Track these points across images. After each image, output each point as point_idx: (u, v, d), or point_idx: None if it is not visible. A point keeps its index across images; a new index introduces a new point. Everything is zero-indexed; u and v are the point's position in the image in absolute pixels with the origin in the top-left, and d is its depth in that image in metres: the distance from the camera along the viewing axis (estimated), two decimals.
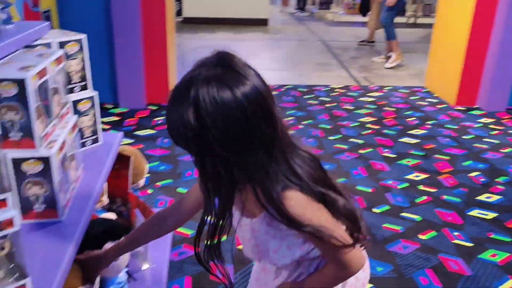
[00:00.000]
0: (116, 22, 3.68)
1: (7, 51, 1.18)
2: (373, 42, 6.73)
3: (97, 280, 1.28)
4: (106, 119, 3.66)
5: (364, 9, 7.84)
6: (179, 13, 8.35)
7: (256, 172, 0.90)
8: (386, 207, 2.55)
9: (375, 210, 2.52)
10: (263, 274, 1.19)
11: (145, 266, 1.71)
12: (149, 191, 2.63)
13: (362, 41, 6.83)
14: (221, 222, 0.97)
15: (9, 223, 0.87)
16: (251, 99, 0.84)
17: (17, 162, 1.10)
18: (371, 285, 1.94)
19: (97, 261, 1.26)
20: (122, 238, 1.28)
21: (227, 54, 0.89)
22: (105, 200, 1.65)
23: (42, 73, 1.12)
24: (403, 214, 2.49)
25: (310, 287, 1.09)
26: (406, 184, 2.80)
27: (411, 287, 1.94)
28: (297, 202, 0.93)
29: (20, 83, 1.05)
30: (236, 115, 0.83)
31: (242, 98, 0.83)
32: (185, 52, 5.82)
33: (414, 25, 8.70)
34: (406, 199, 2.63)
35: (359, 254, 1.04)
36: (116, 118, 3.69)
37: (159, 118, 3.72)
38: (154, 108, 3.94)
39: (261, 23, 8.27)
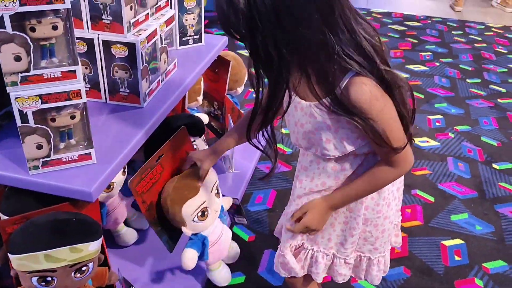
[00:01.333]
0: None
1: None
2: None
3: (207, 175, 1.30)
4: None
5: None
6: None
7: (312, 48, 0.83)
8: (509, 165, 2.25)
9: (494, 165, 2.25)
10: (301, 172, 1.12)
11: (229, 170, 1.78)
12: None
13: None
14: (271, 107, 0.92)
15: (77, 93, 0.94)
16: None
17: (106, 45, 1.17)
18: (462, 242, 1.78)
19: (206, 160, 1.27)
20: (227, 136, 1.26)
21: None
22: (200, 100, 1.70)
23: None
24: None
25: (359, 191, 1.03)
26: None
27: (510, 254, 1.74)
28: (363, 90, 0.86)
29: None
30: None
31: None
32: None
33: None
34: None
35: (410, 152, 0.98)
36: None
37: None
38: None
39: None
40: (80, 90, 0.93)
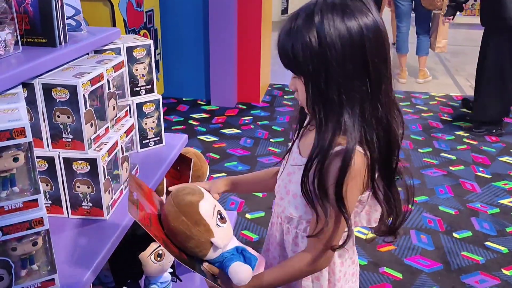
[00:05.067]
0: (212, 22, 3.80)
1: (74, 55, 1.27)
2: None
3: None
4: (196, 115, 3.81)
5: None
6: (284, 11, 8.40)
7: (354, 102, 0.92)
8: (469, 233, 2.33)
9: (455, 235, 2.32)
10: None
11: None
12: None
13: None
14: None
15: (40, 221, 0.93)
16: (371, 31, 0.91)
17: (67, 162, 1.18)
18: None
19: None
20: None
21: None
22: (164, 199, 1.70)
23: (96, 80, 1.18)
24: (488, 243, 2.25)
25: (271, 278, 1.03)
26: (497, 210, 2.53)
27: None
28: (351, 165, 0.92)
29: (72, 89, 1.12)
30: (355, 43, 0.90)
31: (364, 28, 0.90)
32: None
33: None
34: (494, 227, 2.38)
35: (331, 255, 1.03)
36: (205, 115, 3.82)
37: (246, 118, 3.77)
38: (243, 107, 4.01)
39: None
40: (42, 218, 0.93)
